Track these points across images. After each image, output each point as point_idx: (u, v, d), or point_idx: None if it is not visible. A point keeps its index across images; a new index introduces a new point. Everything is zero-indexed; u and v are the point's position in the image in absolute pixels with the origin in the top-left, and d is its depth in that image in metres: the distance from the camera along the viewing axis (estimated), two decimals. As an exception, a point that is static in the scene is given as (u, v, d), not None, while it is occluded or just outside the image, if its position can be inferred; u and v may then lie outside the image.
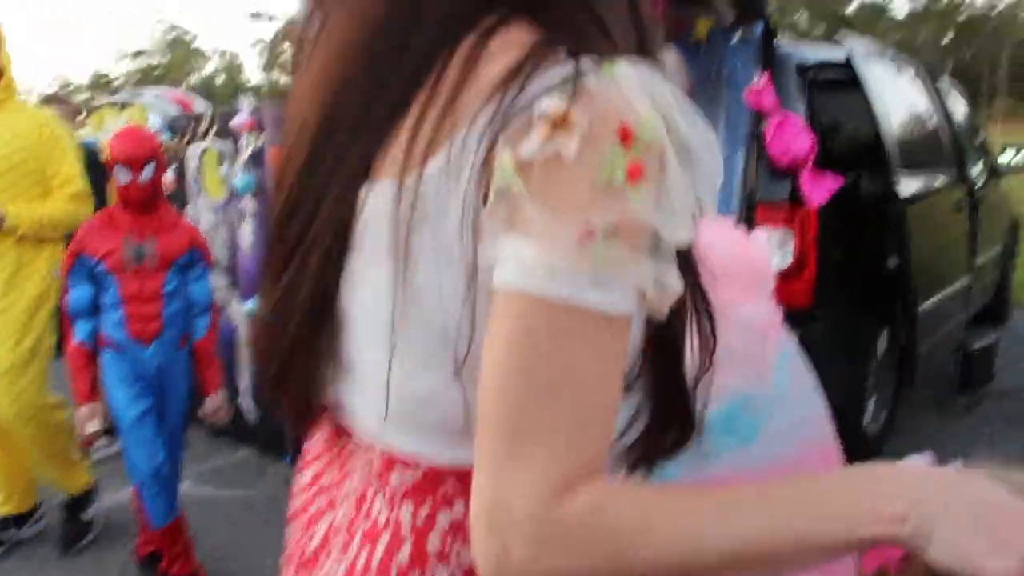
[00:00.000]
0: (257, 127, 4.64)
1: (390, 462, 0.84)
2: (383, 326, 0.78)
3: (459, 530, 0.81)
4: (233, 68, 46.59)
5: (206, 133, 5.03)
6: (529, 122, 0.69)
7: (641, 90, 0.70)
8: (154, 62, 43.95)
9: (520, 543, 0.67)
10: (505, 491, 0.68)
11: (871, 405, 4.34)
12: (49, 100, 6.63)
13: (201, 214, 4.98)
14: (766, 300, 2.05)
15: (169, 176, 5.33)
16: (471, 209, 0.72)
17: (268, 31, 44.17)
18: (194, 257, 3.30)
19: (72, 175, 3.63)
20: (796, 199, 3.73)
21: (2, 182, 3.47)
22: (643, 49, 0.80)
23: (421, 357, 0.78)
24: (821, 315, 3.73)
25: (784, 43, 4.13)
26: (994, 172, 6.47)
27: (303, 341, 0.85)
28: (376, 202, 0.77)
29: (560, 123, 0.68)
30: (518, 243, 0.69)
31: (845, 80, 4.19)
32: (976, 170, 5.87)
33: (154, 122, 5.69)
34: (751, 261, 2.03)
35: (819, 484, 0.75)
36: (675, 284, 0.73)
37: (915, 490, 0.71)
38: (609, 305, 0.69)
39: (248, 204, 4.70)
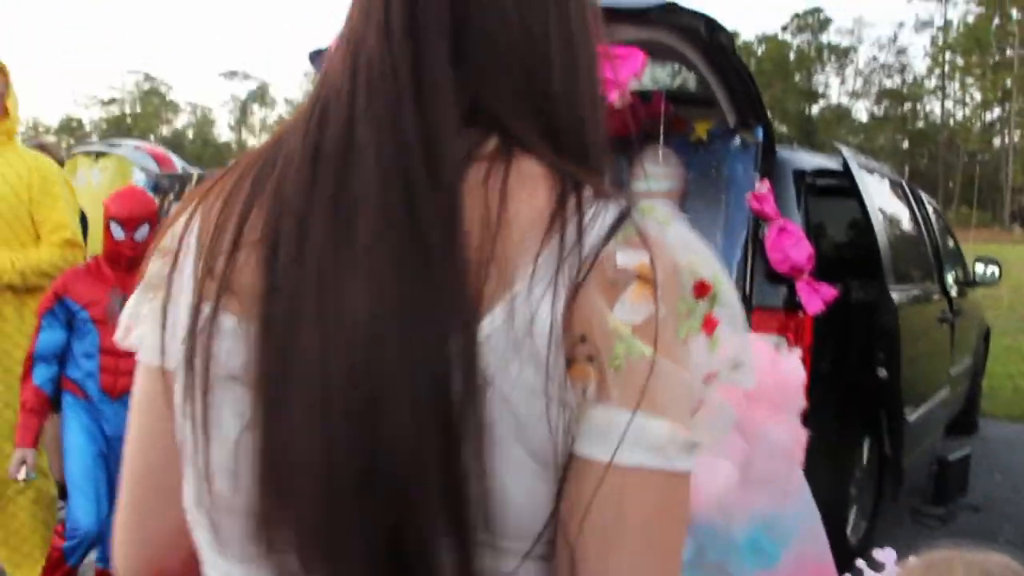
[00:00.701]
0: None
1: None
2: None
3: None
4: (205, 123, 46.55)
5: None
6: (609, 275, 0.66)
7: (688, 239, 0.71)
8: (127, 110, 43.80)
9: None
10: None
11: (852, 515, 4.30)
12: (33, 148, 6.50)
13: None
14: (794, 420, 2.02)
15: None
16: (555, 372, 0.64)
17: (241, 89, 44.20)
18: None
19: (63, 222, 3.53)
20: (791, 306, 3.73)
21: None
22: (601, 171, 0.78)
23: (493, 544, 0.67)
24: (808, 423, 3.71)
25: (781, 148, 4.19)
26: (968, 282, 6.59)
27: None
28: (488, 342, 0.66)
29: (645, 277, 0.65)
30: (644, 419, 0.65)
31: (841, 187, 4.24)
32: (951, 278, 5.97)
33: (138, 178, 5.63)
34: (781, 379, 2.00)
35: None
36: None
37: None
38: (692, 467, 0.69)
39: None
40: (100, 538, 3.12)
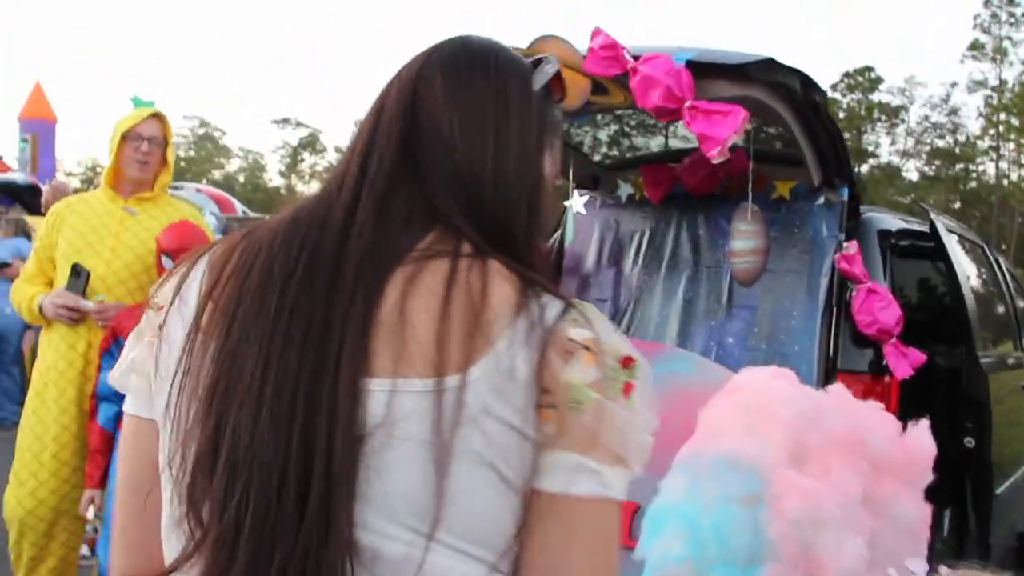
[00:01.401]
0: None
1: None
2: (413, 517, 0.83)
3: None
4: (256, 168, 47.35)
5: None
6: (564, 345, 0.87)
7: (609, 325, 0.93)
8: (181, 154, 44.74)
9: None
10: None
11: (933, 591, 4.12)
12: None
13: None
14: (920, 494, 1.91)
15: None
16: (528, 414, 0.85)
17: (292, 136, 44.98)
18: None
19: None
20: (878, 370, 3.61)
21: (132, 282, 3.38)
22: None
23: (458, 547, 0.84)
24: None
25: (865, 208, 4.09)
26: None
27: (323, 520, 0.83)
28: (404, 399, 0.84)
29: (591, 348, 0.87)
30: (586, 461, 0.86)
31: (927, 249, 4.12)
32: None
33: (209, 221, 5.67)
34: (910, 452, 1.90)
35: None
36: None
37: None
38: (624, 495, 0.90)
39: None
40: None
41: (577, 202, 4.57)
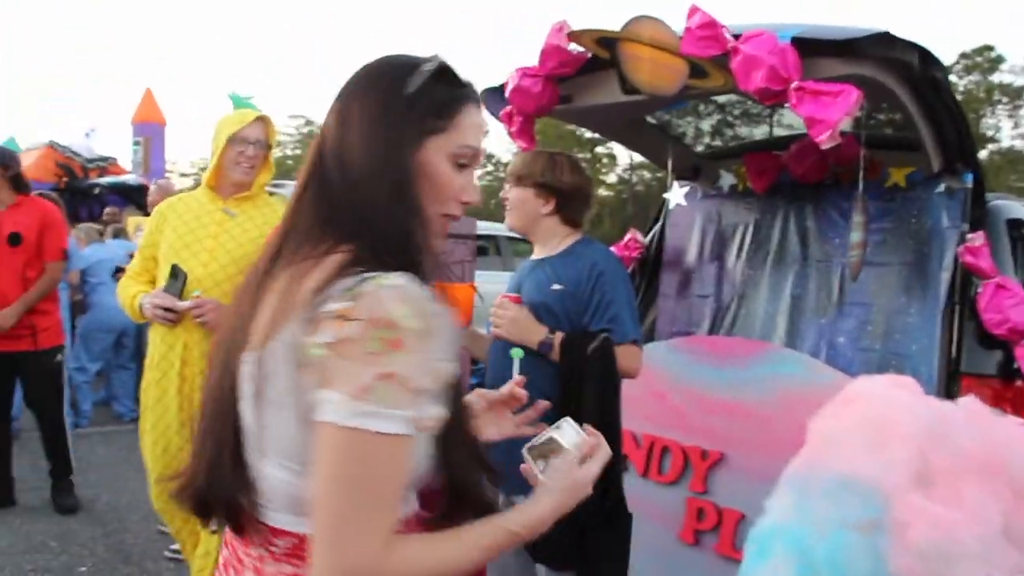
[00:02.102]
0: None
1: (276, 533, 1.25)
2: (254, 447, 1.24)
3: None
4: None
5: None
6: (318, 317, 1.14)
7: (398, 293, 1.13)
8: (289, 153, 45.72)
9: None
10: (346, 557, 1.11)
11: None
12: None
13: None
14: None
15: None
16: (296, 373, 1.16)
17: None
18: None
19: None
20: (1008, 373, 3.31)
21: (227, 284, 3.35)
22: (415, 265, 1.20)
23: (278, 463, 1.22)
24: None
25: (992, 195, 3.78)
26: None
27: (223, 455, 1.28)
28: (244, 368, 1.24)
29: (344, 316, 1.12)
30: (328, 394, 1.12)
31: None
32: None
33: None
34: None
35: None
36: (435, 413, 1.18)
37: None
38: (387, 428, 1.11)
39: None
40: None
41: (676, 194, 4.36)
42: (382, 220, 1.24)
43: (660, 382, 3.73)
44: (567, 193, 2.89)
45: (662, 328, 4.54)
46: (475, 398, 1.66)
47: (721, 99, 4.22)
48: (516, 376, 1.48)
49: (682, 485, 3.64)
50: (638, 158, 35.58)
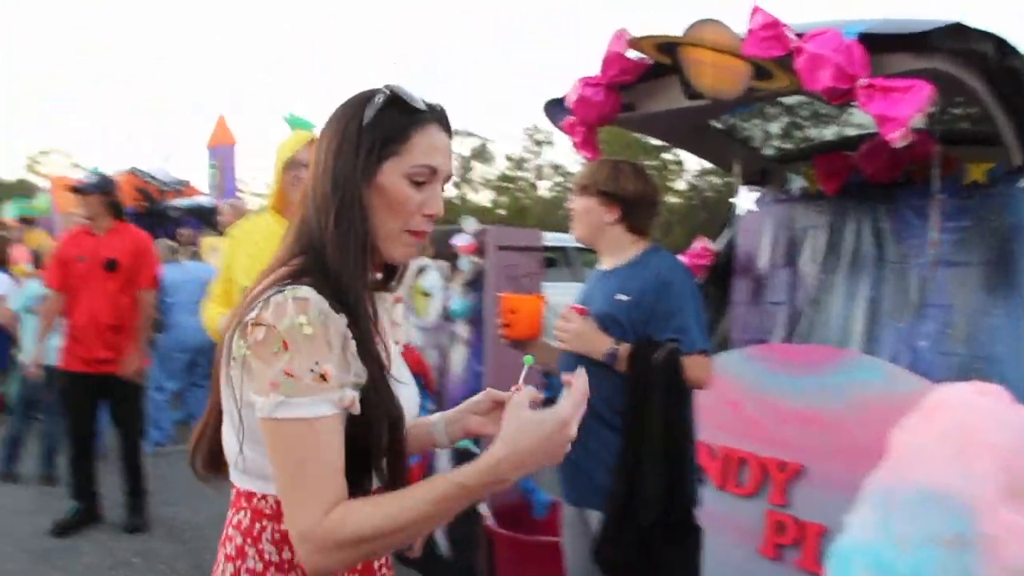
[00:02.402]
0: (478, 251, 4.48)
1: (247, 495, 1.48)
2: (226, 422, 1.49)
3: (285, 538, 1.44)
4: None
5: (422, 252, 4.92)
6: (244, 324, 1.36)
7: (300, 303, 1.33)
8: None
9: (316, 549, 1.31)
10: (296, 523, 1.33)
11: None
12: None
13: (408, 333, 4.84)
14: None
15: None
16: (231, 364, 1.39)
17: (464, 147, 45.78)
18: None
19: None
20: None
21: None
22: (353, 278, 1.41)
23: (231, 431, 1.46)
24: None
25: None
26: None
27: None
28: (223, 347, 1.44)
29: (258, 322, 1.33)
30: (254, 394, 1.34)
31: None
32: None
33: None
34: None
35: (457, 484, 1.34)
36: (347, 396, 1.35)
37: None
38: (300, 415, 1.32)
39: (461, 329, 4.51)
40: None
41: (745, 199, 4.27)
42: (325, 239, 1.43)
43: (735, 392, 3.65)
44: (631, 201, 2.85)
45: (735, 336, 4.44)
46: (482, 396, 1.70)
47: (789, 100, 4.12)
48: (520, 383, 1.47)
49: (761, 498, 3.55)
50: (707, 164, 35.31)
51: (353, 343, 1.37)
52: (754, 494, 3.57)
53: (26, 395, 6.54)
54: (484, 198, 44.26)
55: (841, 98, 2.61)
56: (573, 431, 1.37)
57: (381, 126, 1.44)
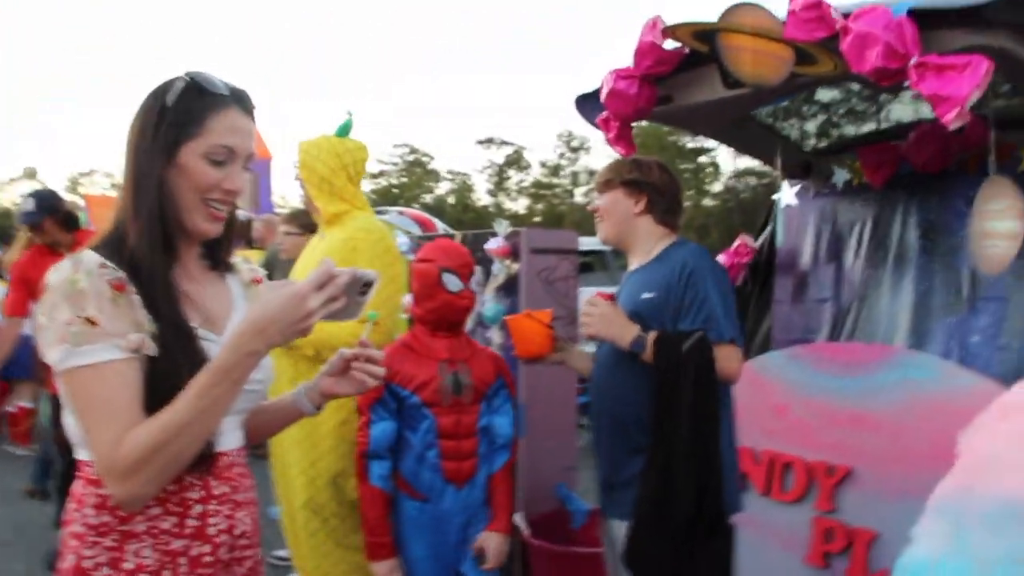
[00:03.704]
0: (511, 254, 4.35)
1: (82, 464, 1.59)
2: None
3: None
4: (464, 189, 48.65)
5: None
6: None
7: (76, 264, 1.51)
8: (394, 181, 46.57)
9: (114, 481, 1.45)
10: (97, 464, 1.47)
11: None
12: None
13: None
14: None
15: (407, 298, 5.16)
16: None
17: (498, 155, 45.79)
18: (499, 385, 3.01)
19: None
20: None
21: None
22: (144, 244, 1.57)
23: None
24: None
25: None
26: None
27: None
28: None
29: (48, 285, 1.50)
30: (48, 349, 1.49)
31: None
32: None
33: (402, 241, 5.58)
34: None
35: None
36: (133, 340, 1.48)
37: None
38: (86, 361, 1.46)
39: (495, 335, 4.39)
40: None
41: (787, 193, 4.12)
42: (126, 214, 1.58)
43: (778, 394, 3.51)
44: (658, 189, 2.74)
45: (778, 336, 4.28)
46: (335, 357, 1.78)
47: (825, 98, 3.98)
48: (364, 338, 1.73)
49: (807, 504, 3.39)
50: (742, 164, 34.91)
51: (137, 298, 1.50)
52: (800, 500, 3.42)
53: (54, 413, 6.52)
54: (520, 206, 44.29)
55: (891, 79, 2.46)
56: (311, 304, 1.46)
57: (180, 110, 1.57)
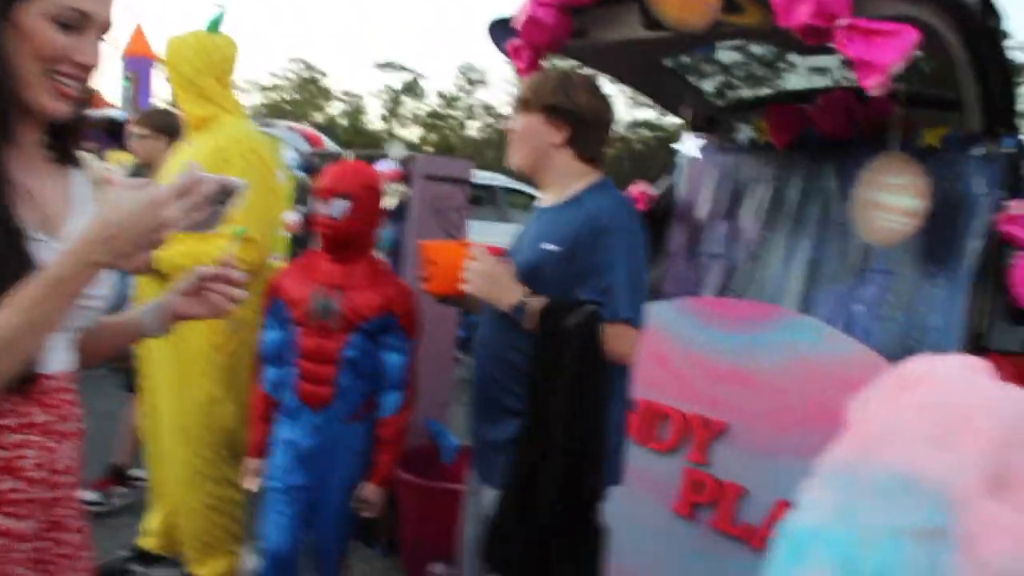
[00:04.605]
0: (403, 180, 4.21)
1: None
2: None
3: None
4: (357, 111, 47.56)
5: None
6: None
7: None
8: (287, 97, 45.07)
9: None
10: None
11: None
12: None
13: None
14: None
15: (293, 218, 4.97)
16: None
17: (395, 80, 44.86)
18: (387, 322, 2.86)
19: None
20: (1040, 353, 3.08)
21: None
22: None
23: None
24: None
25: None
26: None
27: None
28: None
29: None
30: None
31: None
32: None
33: (291, 157, 5.38)
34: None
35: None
36: None
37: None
38: None
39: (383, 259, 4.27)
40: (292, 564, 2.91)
41: (690, 145, 4.08)
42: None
43: (662, 344, 3.49)
44: (584, 119, 2.37)
45: (669, 289, 4.28)
46: (189, 275, 1.62)
47: (726, 59, 3.95)
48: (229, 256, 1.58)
49: (680, 455, 3.41)
50: (639, 116, 35.14)
51: None
52: (673, 450, 3.43)
53: None
54: (412, 134, 43.59)
55: (818, 38, 2.42)
56: (169, 212, 1.30)
57: None
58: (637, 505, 3.38)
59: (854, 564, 1.30)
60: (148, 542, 3.60)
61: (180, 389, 3.21)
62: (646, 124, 35.71)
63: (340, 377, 2.82)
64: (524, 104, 2.43)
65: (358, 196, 2.82)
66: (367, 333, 2.83)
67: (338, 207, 2.79)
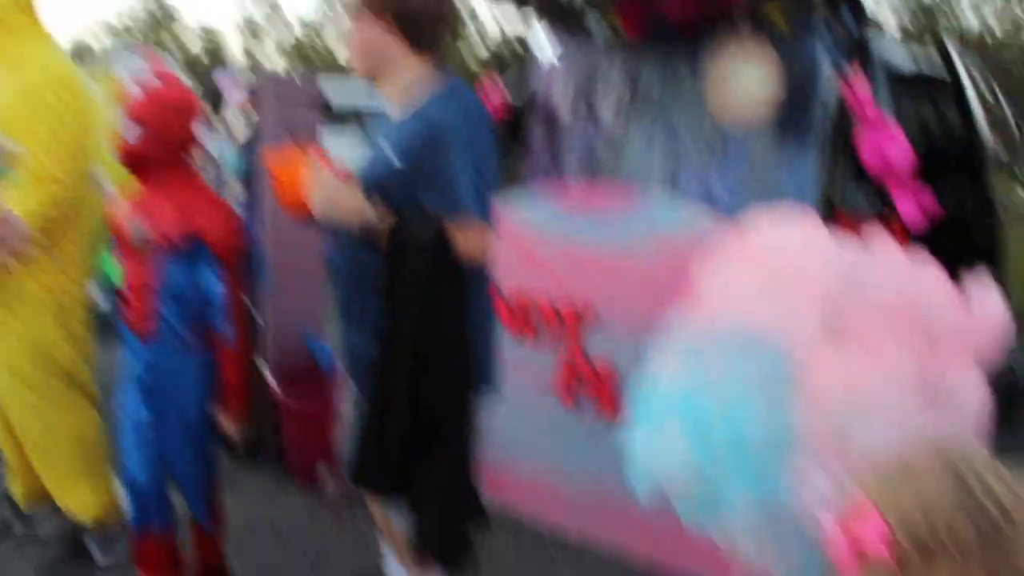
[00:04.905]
0: (253, 107, 4.05)
1: None
2: None
3: None
4: (216, 48, 45.68)
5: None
6: None
7: None
8: (140, 39, 42.90)
9: None
10: None
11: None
12: None
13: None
14: (976, 369, 1.48)
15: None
16: None
17: (253, 10, 43.18)
18: (201, 248, 2.72)
19: (28, 149, 2.89)
20: (883, 210, 3.20)
21: None
22: None
23: None
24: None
25: (872, 36, 3.61)
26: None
27: None
28: None
29: None
30: None
31: (938, 80, 3.66)
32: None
33: (139, 70, 5.11)
34: (976, 323, 1.47)
35: None
36: None
37: None
38: None
39: (237, 189, 4.13)
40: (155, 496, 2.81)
41: (542, 41, 4.03)
42: None
43: (526, 233, 3.44)
44: (409, 10, 2.27)
45: (529, 179, 4.27)
46: None
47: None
48: None
49: (554, 344, 3.41)
50: (508, 32, 34.76)
51: None
52: (546, 340, 3.43)
53: None
54: (279, 66, 42.27)
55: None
56: None
57: None
58: (520, 398, 3.37)
59: (701, 415, 1.32)
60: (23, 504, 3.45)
61: (9, 333, 3.04)
62: (519, 40, 35.35)
63: (161, 307, 2.74)
64: (354, 8, 2.33)
65: (148, 121, 2.70)
66: (182, 261, 2.72)
67: (130, 131, 2.69)
